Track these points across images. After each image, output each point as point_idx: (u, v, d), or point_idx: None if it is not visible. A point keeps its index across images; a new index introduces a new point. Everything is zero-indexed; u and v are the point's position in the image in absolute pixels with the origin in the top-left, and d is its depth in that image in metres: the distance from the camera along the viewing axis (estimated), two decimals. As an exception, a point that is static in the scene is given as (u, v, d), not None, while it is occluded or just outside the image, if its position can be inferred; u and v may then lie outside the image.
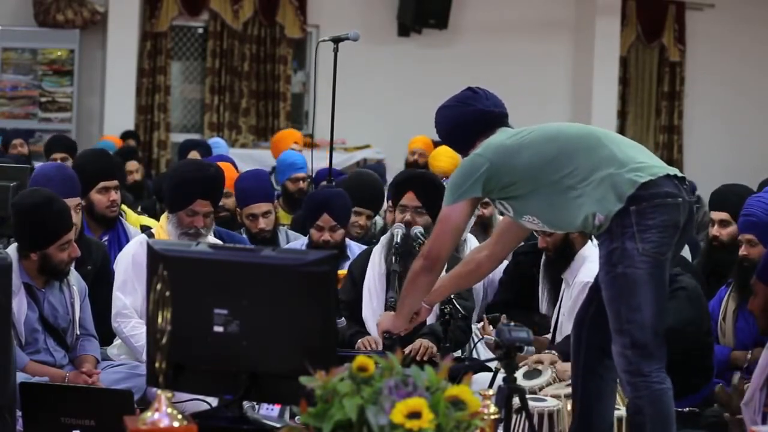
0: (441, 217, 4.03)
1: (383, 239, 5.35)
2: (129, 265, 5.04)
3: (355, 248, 5.82)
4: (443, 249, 4.04)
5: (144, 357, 4.85)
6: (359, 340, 5.09)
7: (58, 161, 7.78)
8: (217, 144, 10.06)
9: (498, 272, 5.47)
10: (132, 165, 8.71)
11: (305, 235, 6.07)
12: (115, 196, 5.86)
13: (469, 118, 4.10)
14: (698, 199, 8.83)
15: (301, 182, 7.74)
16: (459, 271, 4.30)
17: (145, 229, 6.04)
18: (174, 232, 5.02)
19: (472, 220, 5.75)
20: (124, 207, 6.42)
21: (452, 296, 4.55)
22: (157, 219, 6.59)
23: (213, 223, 5.15)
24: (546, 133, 3.97)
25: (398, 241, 5.09)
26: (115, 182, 5.93)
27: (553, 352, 4.87)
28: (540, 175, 3.87)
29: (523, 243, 5.39)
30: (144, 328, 4.90)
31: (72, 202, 5.23)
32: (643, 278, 3.73)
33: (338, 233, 5.73)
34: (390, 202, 5.67)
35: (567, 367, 4.55)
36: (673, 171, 3.86)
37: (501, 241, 4.27)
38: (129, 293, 5.02)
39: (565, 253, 5.09)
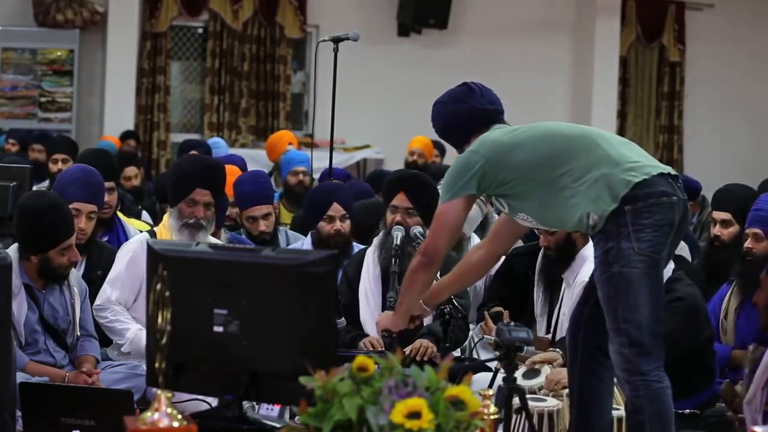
0: (437, 215, 4.04)
1: (376, 240, 5.35)
2: (125, 262, 5.06)
3: (357, 249, 5.81)
4: (440, 246, 4.04)
5: (125, 339, 4.96)
6: (361, 341, 5.09)
7: (59, 162, 7.77)
8: (217, 144, 10.07)
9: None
10: (131, 171, 8.59)
11: (305, 235, 6.07)
12: (109, 197, 5.86)
13: (463, 115, 4.11)
14: (703, 199, 8.83)
15: (301, 175, 7.86)
16: (457, 272, 4.31)
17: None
18: (175, 225, 5.04)
19: (479, 217, 5.76)
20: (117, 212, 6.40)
21: (451, 296, 4.55)
22: (157, 219, 6.59)
23: (214, 217, 5.15)
24: (541, 132, 3.98)
25: (398, 243, 5.08)
26: (111, 183, 5.93)
27: (558, 350, 4.87)
28: (535, 174, 3.88)
29: (516, 245, 5.42)
30: (124, 313, 5.02)
31: (88, 207, 5.24)
32: (640, 277, 3.74)
33: (347, 223, 5.71)
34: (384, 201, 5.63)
35: (561, 372, 4.56)
36: (667, 169, 3.87)
37: (497, 239, 4.27)
38: (117, 288, 5.05)
39: (566, 253, 5.09)
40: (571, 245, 5.08)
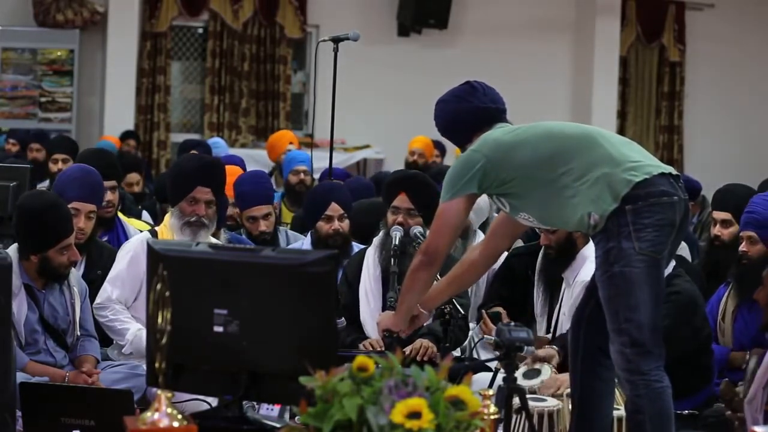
0: (438, 213, 4.03)
1: (376, 240, 5.35)
2: (126, 261, 5.07)
3: (356, 249, 5.81)
4: (441, 245, 4.04)
5: (125, 339, 4.96)
6: (361, 343, 5.08)
7: (60, 162, 7.77)
8: (217, 144, 10.07)
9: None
10: (133, 177, 8.49)
11: (305, 235, 6.07)
12: (112, 196, 5.87)
13: (465, 114, 4.10)
14: (703, 199, 8.83)
15: (302, 174, 7.88)
16: (454, 274, 4.30)
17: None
18: (177, 224, 5.04)
19: (487, 208, 5.76)
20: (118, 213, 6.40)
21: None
22: (158, 220, 6.59)
23: (215, 216, 5.16)
24: (542, 131, 3.98)
25: (396, 243, 5.08)
26: (113, 182, 5.93)
27: (554, 347, 4.87)
28: (536, 173, 3.88)
29: (516, 245, 5.42)
30: (124, 312, 5.02)
31: (86, 207, 5.24)
32: (640, 277, 3.74)
33: (346, 222, 5.72)
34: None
35: (559, 379, 4.56)
36: (668, 169, 3.87)
37: (495, 238, 4.27)
38: (117, 287, 5.05)
39: (566, 252, 5.08)
40: (571, 244, 5.08)
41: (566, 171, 3.85)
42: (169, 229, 5.11)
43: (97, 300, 5.05)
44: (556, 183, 3.85)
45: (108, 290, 5.06)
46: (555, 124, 4.07)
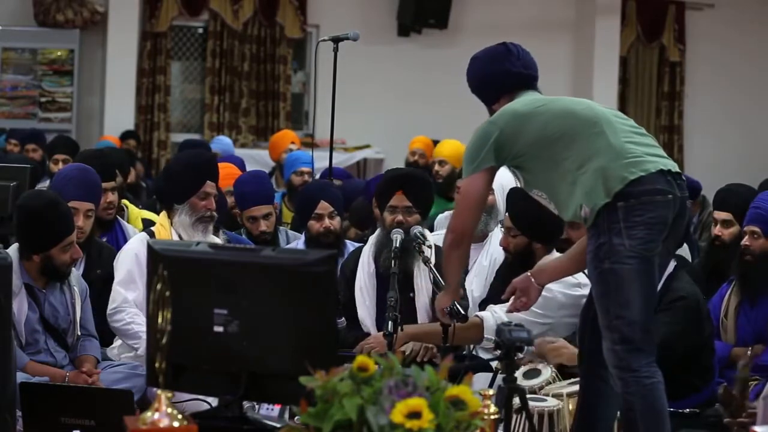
0: (461, 192, 4.09)
1: (372, 238, 5.36)
2: (132, 262, 5.04)
3: (351, 248, 5.84)
4: (468, 222, 4.09)
5: (141, 341, 4.83)
6: (361, 343, 5.08)
7: (60, 162, 7.77)
8: (223, 142, 10.07)
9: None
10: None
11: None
12: (112, 197, 5.86)
13: (496, 76, 4.15)
14: (703, 199, 8.82)
15: (306, 175, 7.90)
16: (572, 256, 4.28)
17: (146, 223, 6.06)
18: (188, 221, 5.04)
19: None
20: (125, 202, 6.43)
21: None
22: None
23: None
24: (558, 108, 3.99)
25: (397, 246, 5.08)
26: (112, 183, 5.92)
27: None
28: (543, 152, 3.91)
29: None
30: (141, 315, 4.93)
31: (85, 206, 5.24)
32: (631, 274, 3.74)
33: (337, 220, 5.77)
34: (376, 201, 5.62)
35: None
36: (668, 165, 3.84)
37: None
38: (132, 290, 5.01)
39: (523, 260, 5.04)
40: (529, 253, 5.06)
41: (568, 157, 3.86)
42: (171, 229, 5.11)
43: (112, 305, 4.99)
44: (559, 167, 3.87)
45: (122, 294, 5.00)
46: (573, 103, 4.05)
